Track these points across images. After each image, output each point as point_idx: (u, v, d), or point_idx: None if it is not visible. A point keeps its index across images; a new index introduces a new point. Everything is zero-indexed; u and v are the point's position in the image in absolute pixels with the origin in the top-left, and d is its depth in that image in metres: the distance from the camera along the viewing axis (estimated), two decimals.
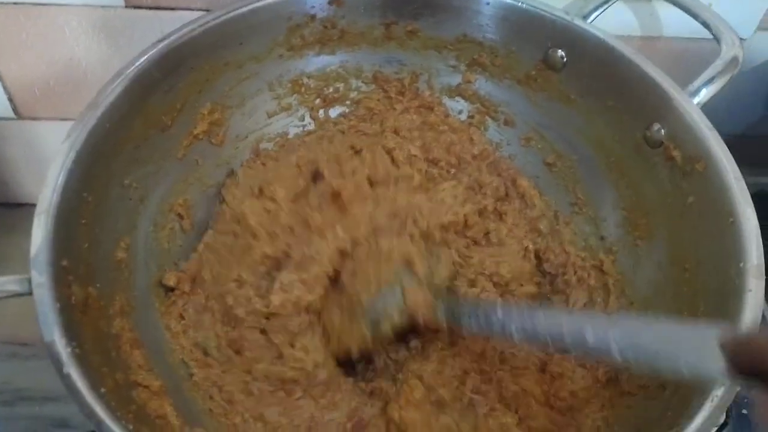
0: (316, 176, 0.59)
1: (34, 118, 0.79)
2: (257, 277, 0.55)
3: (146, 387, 0.48)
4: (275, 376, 0.53)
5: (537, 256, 0.63)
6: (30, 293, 0.43)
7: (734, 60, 0.56)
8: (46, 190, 0.47)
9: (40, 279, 0.43)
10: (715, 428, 0.54)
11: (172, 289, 0.57)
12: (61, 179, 0.48)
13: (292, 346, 0.53)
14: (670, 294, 0.53)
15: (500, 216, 0.64)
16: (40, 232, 0.45)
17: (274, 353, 0.53)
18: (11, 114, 0.78)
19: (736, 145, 0.83)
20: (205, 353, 0.55)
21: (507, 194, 0.66)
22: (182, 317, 0.56)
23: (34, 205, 0.86)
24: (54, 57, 0.73)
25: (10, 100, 0.77)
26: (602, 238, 0.62)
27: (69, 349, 0.41)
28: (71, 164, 0.49)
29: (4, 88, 0.76)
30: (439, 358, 0.54)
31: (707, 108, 0.55)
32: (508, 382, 0.53)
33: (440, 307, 0.53)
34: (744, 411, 0.61)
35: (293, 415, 0.53)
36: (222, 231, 0.60)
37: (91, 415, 0.38)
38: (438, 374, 0.53)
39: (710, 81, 0.56)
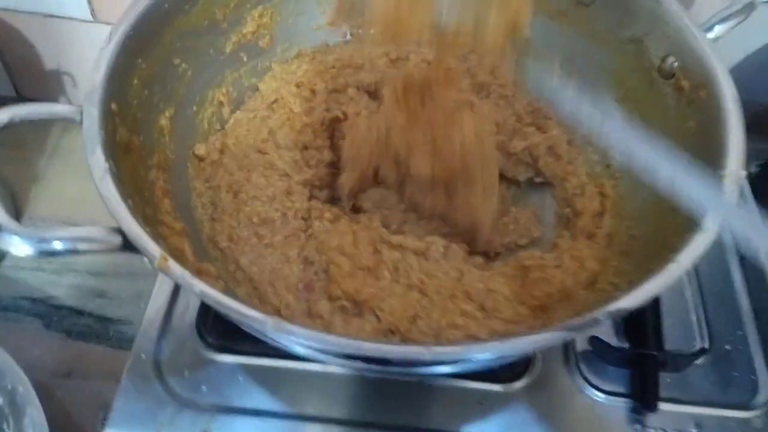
0: None
1: (108, 23, 0.87)
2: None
3: (170, 227, 0.54)
4: (258, 216, 0.59)
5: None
6: (80, 122, 0.50)
7: (751, 3, 0.59)
8: (109, 43, 0.54)
9: (91, 111, 0.50)
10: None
11: (202, 159, 0.64)
12: (119, 37, 0.54)
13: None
14: (657, 209, 0.55)
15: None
16: (98, 73, 0.52)
17: (269, 193, 0.59)
18: (89, 16, 0.86)
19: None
20: (213, 203, 0.61)
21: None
22: (206, 180, 0.63)
23: None
24: None
25: (89, 2, 0.85)
26: (608, 166, 0.65)
27: (106, 165, 0.47)
28: (130, 28, 0.56)
29: None
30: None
31: (738, 76, 0.58)
32: (474, 281, 0.56)
33: None
34: (727, 347, 0.63)
35: (260, 263, 0.57)
36: (253, 109, 0.66)
37: (117, 214, 0.44)
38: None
39: (725, 19, 0.59)
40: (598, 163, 0.66)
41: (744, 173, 0.49)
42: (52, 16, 0.87)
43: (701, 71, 0.56)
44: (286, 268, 0.57)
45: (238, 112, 0.69)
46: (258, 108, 0.68)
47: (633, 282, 0.49)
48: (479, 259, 0.59)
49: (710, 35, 0.58)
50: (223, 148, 0.65)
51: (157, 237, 0.49)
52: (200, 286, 0.41)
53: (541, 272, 0.55)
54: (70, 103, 0.98)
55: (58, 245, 0.42)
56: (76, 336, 0.76)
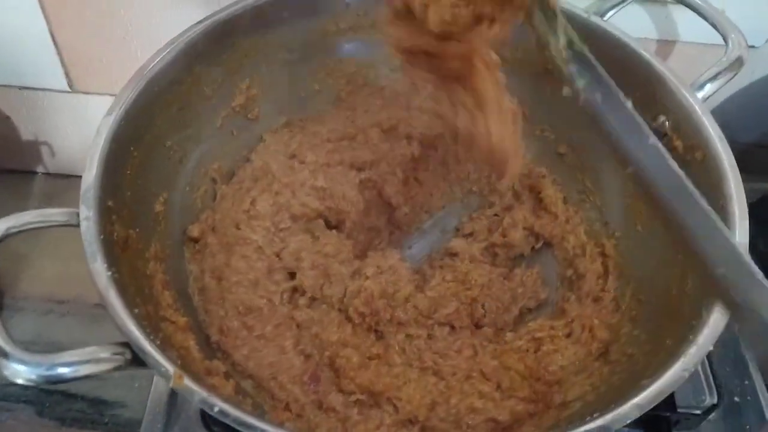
0: None
1: (86, 92, 0.86)
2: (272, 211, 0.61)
3: (173, 323, 0.53)
4: (243, 305, 0.57)
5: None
6: (77, 225, 0.48)
7: (739, 60, 0.59)
8: (99, 137, 0.52)
9: (88, 213, 0.48)
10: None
11: (197, 240, 0.62)
12: (111, 130, 0.53)
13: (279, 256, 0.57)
14: (665, 273, 0.55)
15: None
16: (91, 172, 0.50)
17: (251, 277, 0.58)
18: (66, 87, 0.85)
19: (750, 153, 0.86)
20: (201, 290, 0.59)
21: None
22: (200, 263, 0.61)
23: (81, 177, 0.95)
24: (109, 35, 0.79)
25: (66, 74, 0.83)
26: (606, 224, 0.65)
27: (109, 273, 0.45)
28: (121, 119, 0.54)
29: (61, 61, 0.82)
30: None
31: (722, 116, 0.59)
32: (487, 359, 0.55)
33: None
34: (736, 398, 0.63)
35: (256, 357, 0.56)
36: (240, 180, 0.66)
37: (124, 328, 0.43)
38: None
39: (714, 77, 0.60)
40: (596, 220, 0.66)
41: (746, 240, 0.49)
42: (27, 88, 0.85)
43: (694, 132, 0.57)
44: (284, 361, 0.55)
45: (224, 186, 0.68)
46: (245, 179, 0.67)
47: (649, 354, 0.49)
48: (489, 331, 0.58)
49: (701, 94, 0.59)
50: (213, 225, 0.64)
51: (164, 341, 0.47)
52: (218, 404, 0.40)
53: (552, 344, 0.55)
54: (47, 172, 0.96)
55: (64, 370, 0.41)
56: (70, 423, 0.74)
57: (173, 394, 0.62)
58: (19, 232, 0.47)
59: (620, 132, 0.44)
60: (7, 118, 0.89)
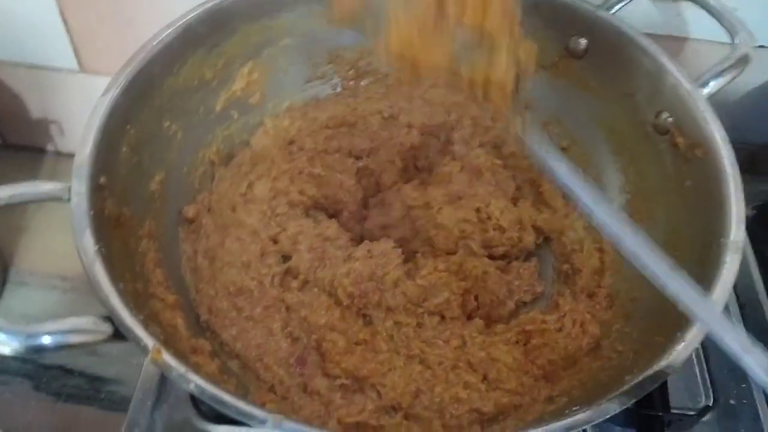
0: None
1: (95, 73, 0.86)
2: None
3: (162, 300, 0.53)
4: (234, 286, 0.57)
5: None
6: (68, 200, 0.48)
7: (745, 57, 0.58)
8: (94, 113, 0.53)
9: (80, 188, 0.49)
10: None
11: (192, 221, 0.62)
12: (107, 106, 0.53)
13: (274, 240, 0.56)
14: None
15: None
16: (85, 148, 0.51)
17: (243, 259, 0.57)
18: (75, 67, 0.85)
19: (761, 154, 0.84)
20: (193, 270, 0.59)
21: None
22: (193, 244, 0.61)
23: None
24: (118, 18, 0.79)
25: (76, 53, 0.84)
26: None
27: (96, 247, 0.46)
28: (118, 95, 0.55)
29: (71, 41, 0.83)
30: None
31: (732, 116, 0.58)
32: (475, 349, 0.55)
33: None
34: (731, 401, 0.62)
35: (244, 338, 0.56)
36: (239, 163, 0.65)
37: (105, 301, 0.43)
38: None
39: (719, 74, 0.58)
40: None
41: (743, 239, 0.48)
42: (37, 66, 0.86)
43: (696, 129, 0.56)
44: (272, 343, 0.55)
45: (223, 168, 0.67)
46: (243, 162, 0.67)
47: (638, 352, 0.49)
48: (480, 322, 0.57)
49: (705, 91, 0.58)
50: (209, 207, 0.64)
51: (150, 317, 0.48)
52: (194, 380, 0.40)
53: (542, 337, 0.54)
54: (57, 150, 0.97)
55: (46, 340, 0.41)
56: (66, 398, 0.74)
57: (163, 376, 0.62)
58: (7, 204, 0.47)
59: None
60: (17, 96, 0.90)
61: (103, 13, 0.78)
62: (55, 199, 0.48)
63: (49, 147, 0.97)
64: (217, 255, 0.58)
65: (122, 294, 0.44)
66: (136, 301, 0.47)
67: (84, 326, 0.42)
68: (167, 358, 0.41)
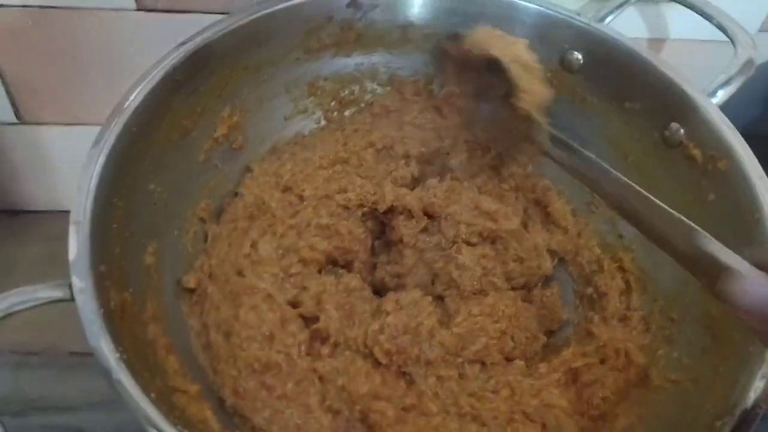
0: None
1: (37, 123, 0.78)
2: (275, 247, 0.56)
3: (184, 392, 0.47)
4: (259, 363, 0.51)
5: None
6: (72, 299, 0.42)
7: (749, 62, 0.58)
8: (81, 196, 0.46)
9: (82, 284, 0.43)
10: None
11: (193, 290, 0.57)
12: (93, 184, 0.47)
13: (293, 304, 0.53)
14: (694, 289, 0.54)
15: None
16: (78, 237, 0.44)
17: (264, 331, 0.52)
18: (14, 118, 0.77)
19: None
20: (206, 347, 0.54)
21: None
22: (200, 316, 0.55)
23: (34, 212, 0.87)
24: (60, 60, 0.71)
25: (13, 104, 0.75)
26: (620, 236, 0.63)
27: (117, 354, 0.40)
28: (101, 169, 0.48)
29: (7, 91, 0.74)
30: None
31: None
32: (527, 397, 0.52)
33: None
34: None
35: (280, 421, 0.50)
36: (232, 219, 0.60)
37: (147, 420, 0.37)
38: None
39: (727, 83, 0.58)
40: (609, 232, 0.64)
41: None
42: None
43: (714, 141, 0.55)
44: (311, 421, 0.50)
45: (214, 225, 0.62)
46: (238, 218, 0.61)
47: (700, 383, 0.47)
48: (521, 363, 0.55)
49: (714, 101, 0.57)
50: (210, 272, 0.58)
51: (179, 419, 0.42)
52: None
53: (591, 373, 0.52)
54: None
55: None
56: None
57: None
58: (5, 316, 0.40)
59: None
60: None
61: (43, 57, 0.70)
62: (58, 301, 0.42)
63: None
64: (233, 329, 0.53)
65: (158, 406, 0.39)
66: (164, 404, 0.42)
67: None
68: None
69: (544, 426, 0.50)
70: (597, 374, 0.52)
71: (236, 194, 0.63)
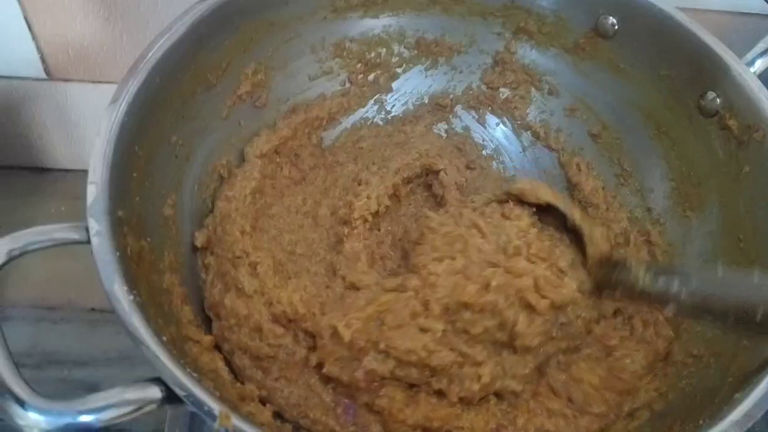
0: None
1: (65, 80, 0.78)
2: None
3: (197, 342, 0.47)
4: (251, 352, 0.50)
5: None
6: (88, 241, 0.42)
7: None
8: (100, 141, 0.46)
9: (98, 227, 0.42)
10: None
11: (204, 248, 0.56)
12: (114, 130, 0.47)
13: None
14: (724, 264, 0.52)
15: None
16: (96, 180, 0.44)
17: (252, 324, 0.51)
18: (43, 75, 0.77)
19: None
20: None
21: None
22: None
23: (60, 171, 0.87)
24: (90, 18, 0.71)
25: (43, 60, 0.76)
26: (649, 210, 0.61)
27: (131, 297, 0.40)
28: (123, 116, 0.48)
29: (37, 48, 0.74)
30: None
31: None
32: (554, 371, 0.51)
33: None
34: None
35: (276, 397, 0.50)
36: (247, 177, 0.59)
37: (158, 363, 0.37)
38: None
39: (766, 51, 0.55)
40: (637, 206, 0.62)
41: None
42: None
43: (751, 111, 0.53)
44: (314, 397, 0.49)
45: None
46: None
47: (722, 358, 0.46)
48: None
49: (752, 69, 0.55)
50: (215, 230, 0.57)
51: (190, 365, 0.42)
52: None
53: (624, 348, 0.51)
54: (33, 166, 0.88)
55: (88, 418, 0.35)
56: None
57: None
58: (22, 254, 0.40)
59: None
60: None
61: (72, 13, 0.70)
62: (72, 242, 0.42)
63: (17, 162, 0.88)
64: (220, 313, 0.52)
65: (168, 348, 0.39)
66: (177, 350, 0.42)
67: (131, 396, 0.36)
68: (237, 422, 0.35)
69: (570, 399, 0.48)
70: (629, 349, 0.51)
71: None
